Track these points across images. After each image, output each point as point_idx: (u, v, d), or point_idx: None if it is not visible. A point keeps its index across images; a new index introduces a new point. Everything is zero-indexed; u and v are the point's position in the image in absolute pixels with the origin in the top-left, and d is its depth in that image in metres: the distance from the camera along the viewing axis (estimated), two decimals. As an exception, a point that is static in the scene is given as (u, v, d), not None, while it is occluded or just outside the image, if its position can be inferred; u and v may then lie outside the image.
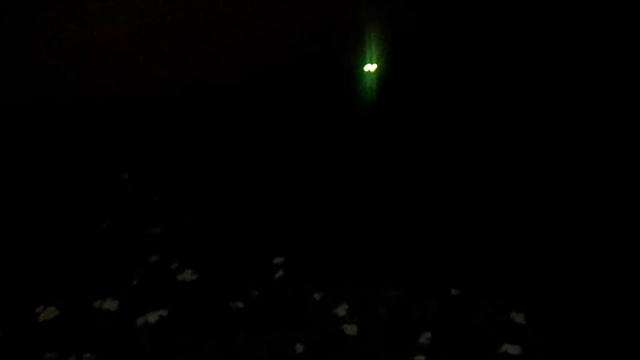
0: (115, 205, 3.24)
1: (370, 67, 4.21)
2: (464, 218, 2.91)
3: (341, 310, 2.41)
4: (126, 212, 3.19)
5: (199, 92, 4.17)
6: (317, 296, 2.52)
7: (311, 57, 4.24)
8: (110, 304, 2.53)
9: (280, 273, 2.68)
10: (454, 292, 2.45)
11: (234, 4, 4.26)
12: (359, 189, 3.21)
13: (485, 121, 3.65)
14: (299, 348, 2.26)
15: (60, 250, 2.89)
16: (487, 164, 3.30)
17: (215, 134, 3.87)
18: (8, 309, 2.55)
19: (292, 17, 4.24)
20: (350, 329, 2.32)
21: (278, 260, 2.75)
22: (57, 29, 4.06)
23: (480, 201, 3.02)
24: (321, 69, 4.23)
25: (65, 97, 4.07)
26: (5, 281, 2.72)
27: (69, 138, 3.86)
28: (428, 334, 2.27)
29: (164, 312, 2.48)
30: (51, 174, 3.57)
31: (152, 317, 2.46)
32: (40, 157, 3.74)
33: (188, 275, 2.69)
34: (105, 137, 3.86)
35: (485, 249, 2.68)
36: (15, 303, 2.58)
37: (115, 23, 4.16)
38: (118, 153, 3.73)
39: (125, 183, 3.44)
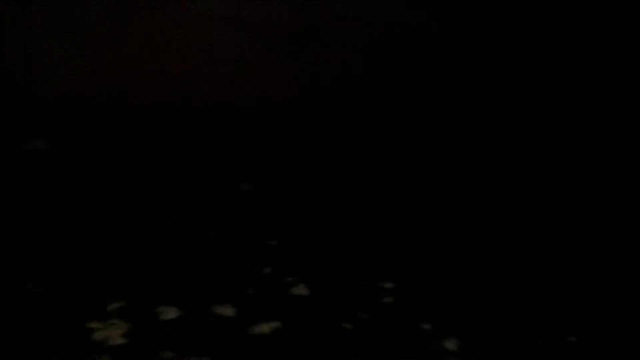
0: (236, 214, 3.38)
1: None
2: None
3: (451, 344, 2.43)
4: (245, 221, 3.32)
5: (307, 107, 4.26)
6: (425, 327, 2.55)
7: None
8: (228, 310, 2.66)
9: (389, 299, 2.73)
10: None
11: (346, 26, 4.32)
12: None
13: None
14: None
15: (182, 255, 3.05)
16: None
17: (328, 147, 3.96)
18: (132, 306, 2.72)
19: (406, 41, 4.28)
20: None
21: (388, 285, 2.81)
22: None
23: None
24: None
25: (181, 108, 4.25)
26: (131, 281, 2.89)
27: (189, 149, 4.04)
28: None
29: (277, 324, 2.58)
30: (178, 181, 3.76)
31: (266, 328, 2.56)
32: (169, 166, 3.93)
33: (302, 290, 2.78)
34: (224, 148, 4.01)
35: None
36: (139, 300, 2.75)
37: (227, 39, 4.29)
38: (239, 164, 3.88)
39: (245, 193, 3.58)
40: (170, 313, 2.65)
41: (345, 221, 3.30)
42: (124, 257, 3.05)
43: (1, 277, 2.91)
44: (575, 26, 4.04)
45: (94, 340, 2.53)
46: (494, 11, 4.16)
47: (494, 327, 2.56)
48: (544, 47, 4.13)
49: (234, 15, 4.21)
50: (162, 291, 2.78)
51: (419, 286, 2.80)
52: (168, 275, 2.90)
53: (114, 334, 2.55)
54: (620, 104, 3.54)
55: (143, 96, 4.05)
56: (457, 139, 3.97)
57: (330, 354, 2.42)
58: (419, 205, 3.43)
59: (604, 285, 2.75)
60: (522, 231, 3.02)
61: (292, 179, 3.71)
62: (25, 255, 3.09)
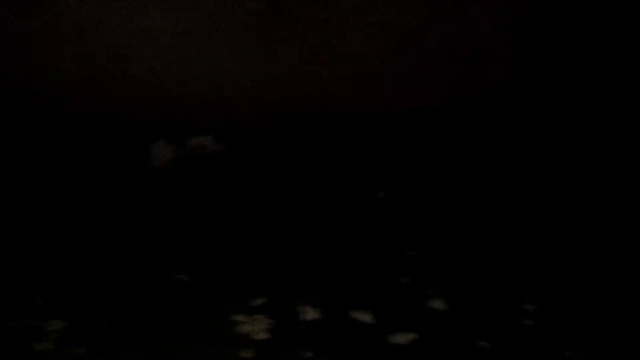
0: (372, 222, 3.43)
1: None
2: None
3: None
4: (382, 230, 3.36)
5: (435, 114, 4.20)
6: (568, 354, 2.50)
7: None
8: (366, 317, 2.72)
9: (529, 321, 2.70)
10: None
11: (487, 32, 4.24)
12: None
13: None
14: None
15: (322, 259, 3.13)
16: None
17: (471, 156, 3.90)
18: (274, 303, 2.83)
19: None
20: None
21: (529, 307, 2.77)
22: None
23: None
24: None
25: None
26: (274, 279, 3.01)
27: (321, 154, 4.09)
28: None
29: (414, 336, 2.61)
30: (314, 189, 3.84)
31: (403, 338, 2.60)
32: (301, 169, 4.02)
33: (440, 304, 2.79)
34: (357, 155, 4.04)
35: None
36: (281, 298, 2.86)
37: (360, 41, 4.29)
38: (373, 172, 3.91)
39: (381, 202, 3.62)
40: (310, 313, 2.74)
41: (492, 234, 3.27)
42: (268, 256, 3.17)
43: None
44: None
45: (239, 333, 2.66)
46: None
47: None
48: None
49: (377, 22, 4.25)
50: (303, 291, 2.88)
51: (563, 311, 2.74)
52: (309, 276, 3.00)
53: (258, 328, 2.67)
54: None
55: (288, 102, 4.17)
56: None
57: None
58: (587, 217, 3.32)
59: None
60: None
61: (434, 188, 3.71)
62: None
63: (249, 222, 3.45)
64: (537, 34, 4.18)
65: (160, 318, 2.76)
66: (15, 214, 3.48)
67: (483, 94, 4.21)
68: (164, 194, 3.68)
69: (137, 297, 2.89)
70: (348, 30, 4.22)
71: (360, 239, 3.29)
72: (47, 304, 2.86)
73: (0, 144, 3.85)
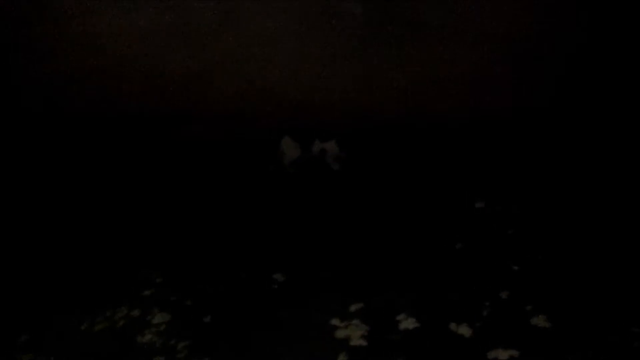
0: (471, 233, 3.37)
1: None
2: None
3: None
4: (481, 241, 3.30)
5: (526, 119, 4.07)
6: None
7: None
8: (465, 330, 2.67)
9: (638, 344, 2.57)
10: None
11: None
12: None
13: None
14: None
15: (421, 267, 3.11)
16: None
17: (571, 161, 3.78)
18: (372, 310, 2.83)
19: None
20: None
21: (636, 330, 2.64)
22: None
23: None
24: None
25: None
26: (371, 286, 3.02)
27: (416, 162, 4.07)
28: None
29: (514, 353, 2.54)
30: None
31: (503, 355, 2.54)
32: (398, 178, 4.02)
33: (541, 320, 2.70)
34: (456, 164, 3.98)
35: None
36: (379, 305, 2.86)
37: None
38: (472, 181, 3.84)
39: (480, 212, 3.55)
40: (408, 322, 2.72)
41: (602, 246, 3.14)
42: (369, 261, 3.18)
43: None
44: None
45: (337, 338, 2.68)
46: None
47: None
48: None
49: (484, 27, 4.16)
50: (401, 300, 2.86)
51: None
52: (407, 285, 2.98)
53: (355, 334, 2.68)
54: None
55: (405, 109, 4.18)
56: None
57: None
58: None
59: None
60: None
61: (534, 197, 3.60)
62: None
63: (358, 227, 3.49)
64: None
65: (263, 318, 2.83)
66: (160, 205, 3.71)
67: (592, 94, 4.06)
68: (285, 193, 3.85)
69: (239, 297, 2.98)
70: (457, 35, 4.16)
71: (462, 247, 3.25)
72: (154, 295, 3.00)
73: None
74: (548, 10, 4.06)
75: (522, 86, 4.15)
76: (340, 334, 2.69)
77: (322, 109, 4.24)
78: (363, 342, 2.64)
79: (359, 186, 3.90)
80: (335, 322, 2.76)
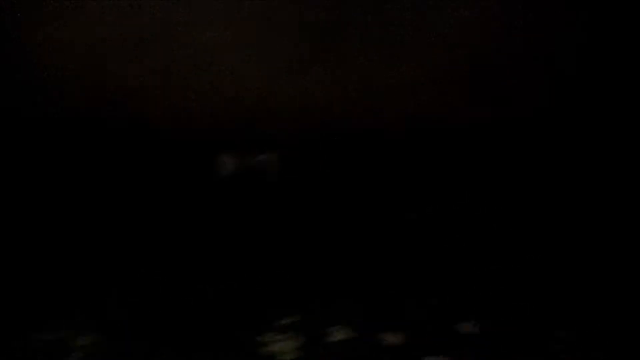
0: (402, 243, 3.41)
1: None
2: None
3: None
4: (411, 251, 3.35)
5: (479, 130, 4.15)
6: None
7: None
8: (397, 338, 2.69)
9: (559, 346, 2.65)
10: None
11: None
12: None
13: None
14: None
15: (354, 278, 3.13)
16: None
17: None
18: (304, 322, 2.82)
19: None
20: None
21: (562, 333, 2.72)
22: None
23: None
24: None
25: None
26: (304, 297, 3.01)
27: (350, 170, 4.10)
28: None
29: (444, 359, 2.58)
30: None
31: (434, 361, 2.58)
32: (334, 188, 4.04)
33: (470, 327, 2.76)
34: (392, 173, 4.04)
35: None
36: (311, 317, 2.85)
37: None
38: (404, 191, 3.90)
39: (413, 223, 3.60)
40: (342, 333, 2.72)
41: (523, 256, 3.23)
42: (304, 273, 3.18)
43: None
44: None
45: (267, 352, 2.65)
46: None
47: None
48: None
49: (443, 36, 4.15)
50: (335, 311, 2.87)
51: (599, 338, 2.69)
52: (340, 296, 2.99)
53: (287, 347, 2.66)
54: None
55: (348, 120, 4.19)
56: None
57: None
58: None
59: None
60: None
61: (471, 208, 3.68)
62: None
63: (289, 240, 3.48)
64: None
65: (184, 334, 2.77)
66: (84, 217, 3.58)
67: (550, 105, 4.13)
68: (221, 206, 3.78)
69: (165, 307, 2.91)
70: (412, 45, 4.18)
71: (391, 259, 3.28)
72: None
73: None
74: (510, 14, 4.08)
75: (479, 96, 4.14)
76: (270, 349, 2.67)
77: (262, 122, 4.22)
78: (294, 356, 2.63)
79: (297, 199, 3.89)
80: (265, 337, 2.74)
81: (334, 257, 3.30)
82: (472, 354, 2.62)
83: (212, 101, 4.20)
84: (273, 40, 4.19)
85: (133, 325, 2.82)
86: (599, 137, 3.96)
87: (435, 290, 3.03)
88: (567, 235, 3.40)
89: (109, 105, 4.08)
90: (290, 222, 3.68)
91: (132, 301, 2.99)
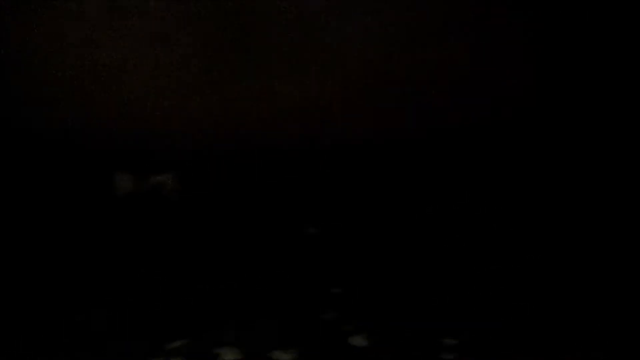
0: (299, 259, 3.41)
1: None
2: None
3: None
4: (309, 268, 3.35)
5: (388, 147, 4.21)
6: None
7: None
8: (288, 356, 2.67)
9: (449, 356, 2.69)
10: None
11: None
12: None
13: None
14: None
15: (244, 297, 3.09)
16: None
17: (407, 192, 3.94)
18: (192, 346, 2.77)
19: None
20: None
21: (450, 341, 2.76)
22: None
23: None
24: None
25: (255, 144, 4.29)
26: (193, 320, 2.95)
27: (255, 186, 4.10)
28: None
29: (334, 374, 2.58)
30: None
31: (323, 377, 2.56)
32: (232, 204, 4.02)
33: (359, 339, 2.77)
34: (293, 189, 4.05)
35: None
36: (200, 340, 2.80)
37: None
38: (306, 206, 3.91)
39: (312, 238, 3.61)
40: (229, 355, 2.68)
41: (413, 266, 3.28)
42: (189, 294, 3.12)
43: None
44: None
45: (155, 378, 2.59)
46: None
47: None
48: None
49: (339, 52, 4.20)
50: (222, 332, 2.82)
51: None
52: (230, 316, 2.95)
53: (174, 372, 2.61)
54: None
55: (241, 138, 4.15)
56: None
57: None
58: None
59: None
60: None
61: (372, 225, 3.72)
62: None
63: (189, 259, 3.42)
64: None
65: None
66: None
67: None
68: (116, 226, 3.68)
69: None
70: (306, 61, 4.19)
71: (287, 275, 3.27)
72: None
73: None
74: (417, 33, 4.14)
75: (384, 116, 4.18)
76: (159, 373, 2.61)
77: (160, 140, 4.15)
78: (183, 380, 2.58)
79: (199, 219, 3.84)
80: (154, 362, 2.67)
81: (229, 276, 3.27)
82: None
83: (110, 119, 4.12)
84: (171, 60, 4.16)
85: None
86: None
87: (330, 305, 3.04)
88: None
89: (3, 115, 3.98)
90: (189, 242, 3.63)
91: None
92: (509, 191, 3.95)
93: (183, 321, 2.92)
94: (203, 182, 4.09)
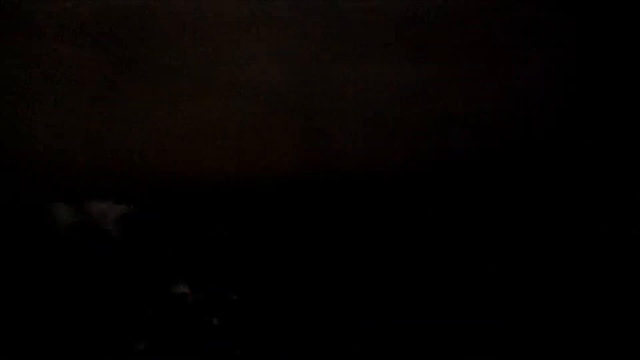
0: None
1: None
2: None
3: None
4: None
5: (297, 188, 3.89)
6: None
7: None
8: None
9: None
10: None
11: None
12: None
13: None
14: None
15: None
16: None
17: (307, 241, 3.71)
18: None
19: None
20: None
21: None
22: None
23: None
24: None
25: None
26: None
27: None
28: None
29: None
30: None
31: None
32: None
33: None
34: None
35: None
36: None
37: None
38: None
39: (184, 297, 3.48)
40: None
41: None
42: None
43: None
44: None
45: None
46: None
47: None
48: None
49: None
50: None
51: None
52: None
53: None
54: None
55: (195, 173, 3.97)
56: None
57: None
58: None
59: None
60: None
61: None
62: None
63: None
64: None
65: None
66: None
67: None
68: (52, 259, 3.50)
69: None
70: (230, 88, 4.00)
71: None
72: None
73: None
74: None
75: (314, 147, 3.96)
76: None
77: (96, 170, 3.92)
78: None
79: (139, 252, 3.63)
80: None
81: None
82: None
83: (40, 149, 3.87)
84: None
85: None
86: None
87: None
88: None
89: None
90: (124, 275, 3.43)
91: None
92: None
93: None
94: (146, 217, 3.85)
